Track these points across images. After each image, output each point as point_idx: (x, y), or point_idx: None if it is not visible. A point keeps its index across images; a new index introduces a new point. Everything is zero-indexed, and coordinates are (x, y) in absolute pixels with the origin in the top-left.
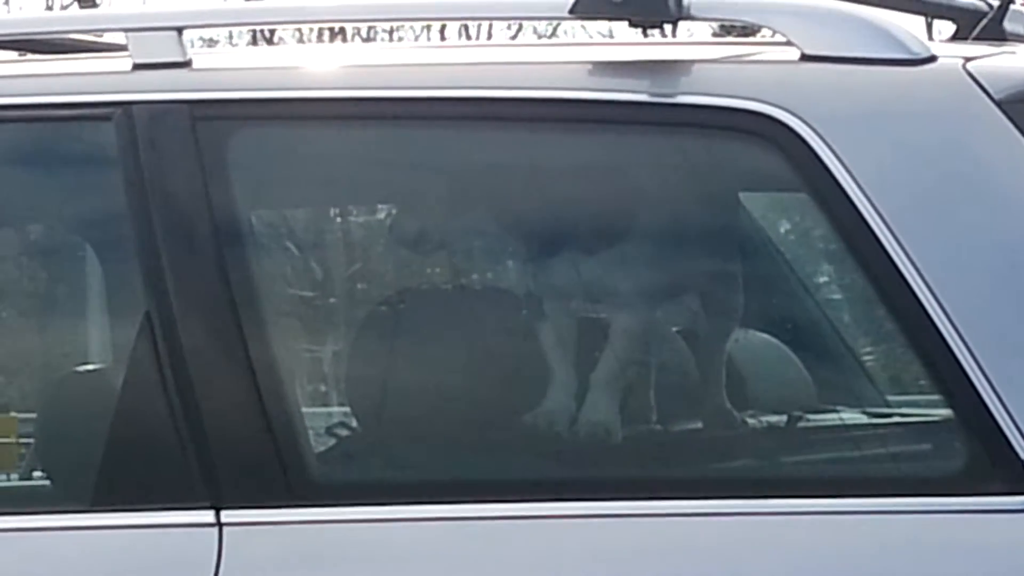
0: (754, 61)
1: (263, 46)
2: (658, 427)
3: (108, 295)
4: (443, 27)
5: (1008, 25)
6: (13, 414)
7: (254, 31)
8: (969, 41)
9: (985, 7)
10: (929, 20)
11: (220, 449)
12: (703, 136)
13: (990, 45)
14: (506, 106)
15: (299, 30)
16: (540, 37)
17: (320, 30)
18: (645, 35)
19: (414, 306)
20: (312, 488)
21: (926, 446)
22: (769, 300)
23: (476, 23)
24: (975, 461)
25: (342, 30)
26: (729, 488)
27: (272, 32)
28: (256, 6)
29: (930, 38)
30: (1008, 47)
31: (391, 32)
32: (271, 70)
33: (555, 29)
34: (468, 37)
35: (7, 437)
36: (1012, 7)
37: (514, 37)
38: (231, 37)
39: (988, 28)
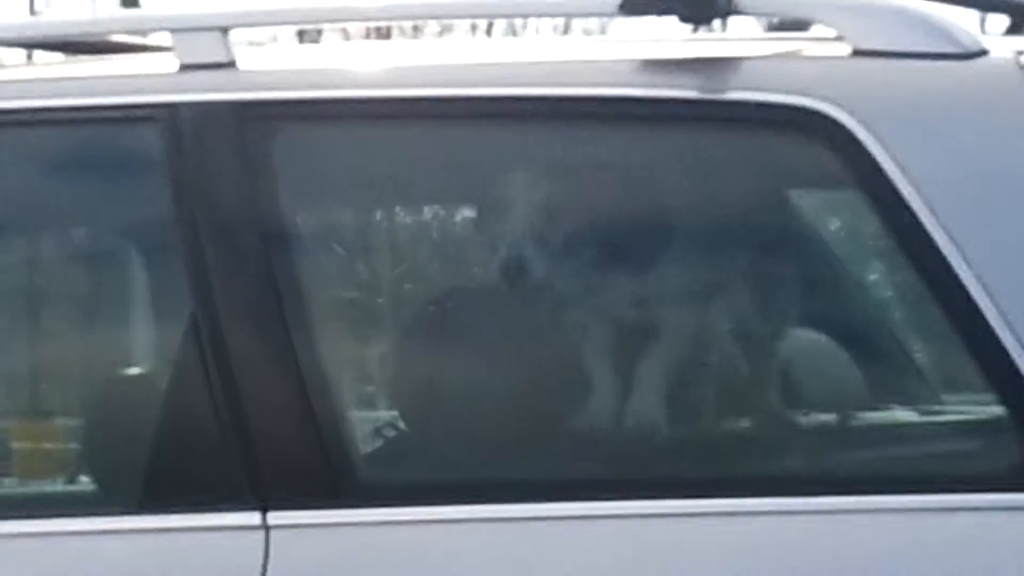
0: (805, 57)
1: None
2: (710, 426)
3: (154, 297)
4: (490, 25)
5: None
6: (61, 419)
7: (300, 31)
8: (1022, 35)
9: None
10: (982, 15)
11: (266, 451)
12: (754, 133)
13: None
14: (555, 104)
15: (344, 30)
16: (589, 35)
17: (367, 29)
18: (696, 31)
19: (461, 307)
20: (359, 489)
21: (979, 443)
22: (820, 298)
23: (524, 21)
24: None
25: (388, 29)
26: (782, 486)
27: (319, 32)
28: (301, 6)
29: (983, 32)
30: None
31: (439, 31)
32: (317, 70)
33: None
34: (516, 35)
35: (55, 442)
36: None
37: (563, 34)
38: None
39: None
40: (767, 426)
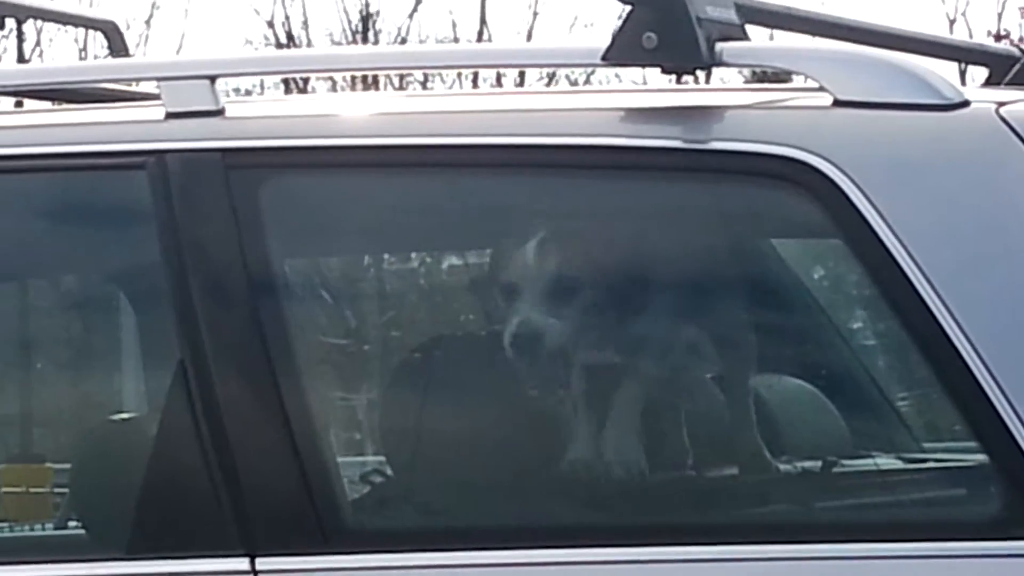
0: (787, 107)
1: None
2: (692, 472)
3: (142, 343)
4: (475, 75)
5: None
6: (48, 464)
7: (287, 80)
8: (1002, 86)
9: (1018, 53)
10: (963, 66)
11: (254, 497)
12: (736, 182)
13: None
14: (538, 153)
15: (331, 79)
16: (573, 84)
17: (352, 79)
18: (679, 82)
19: (447, 355)
20: (347, 535)
21: (962, 491)
22: (803, 346)
23: (508, 71)
24: (1011, 506)
25: (375, 79)
26: (764, 533)
27: (305, 81)
28: (288, 54)
29: (963, 84)
30: None
31: (424, 81)
32: (304, 118)
33: (588, 77)
34: (500, 85)
35: (42, 487)
36: None
37: (548, 84)
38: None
39: (1021, 73)
40: (750, 473)
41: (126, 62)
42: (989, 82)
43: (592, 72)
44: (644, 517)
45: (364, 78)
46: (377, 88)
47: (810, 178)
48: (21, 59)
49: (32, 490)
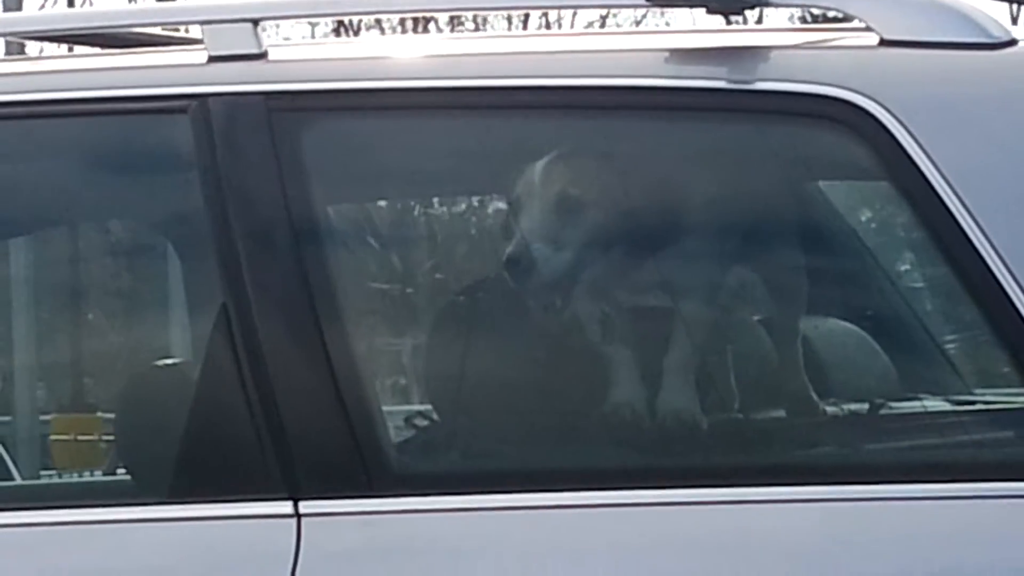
0: (833, 47)
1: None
2: (739, 415)
3: (186, 289)
4: (526, 16)
5: None
6: (95, 411)
7: (339, 23)
8: None
9: None
10: (1015, 7)
11: (298, 440)
12: (782, 123)
13: None
14: (587, 94)
15: (378, 22)
16: (619, 26)
17: (402, 22)
18: (728, 22)
19: (492, 299)
20: (390, 478)
21: (1010, 433)
22: (849, 288)
23: (558, 12)
24: None
25: (425, 22)
26: (812, 474)
27: (357, 28)
28: None
29: (1015, 23)
30: None
31: (475, 25)
32: (347, 61)
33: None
34: (548, 27)
35: (89, 434)
36: None
37: (591, 25)
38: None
39: None
40: (796, 415)
41: (170, 6)
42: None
43: (645, 15)
44: (689, 459)
45: (413, 21)
46: (427, 31)
47: (856, 118)
48: (71, 3)
49: (78, 437)
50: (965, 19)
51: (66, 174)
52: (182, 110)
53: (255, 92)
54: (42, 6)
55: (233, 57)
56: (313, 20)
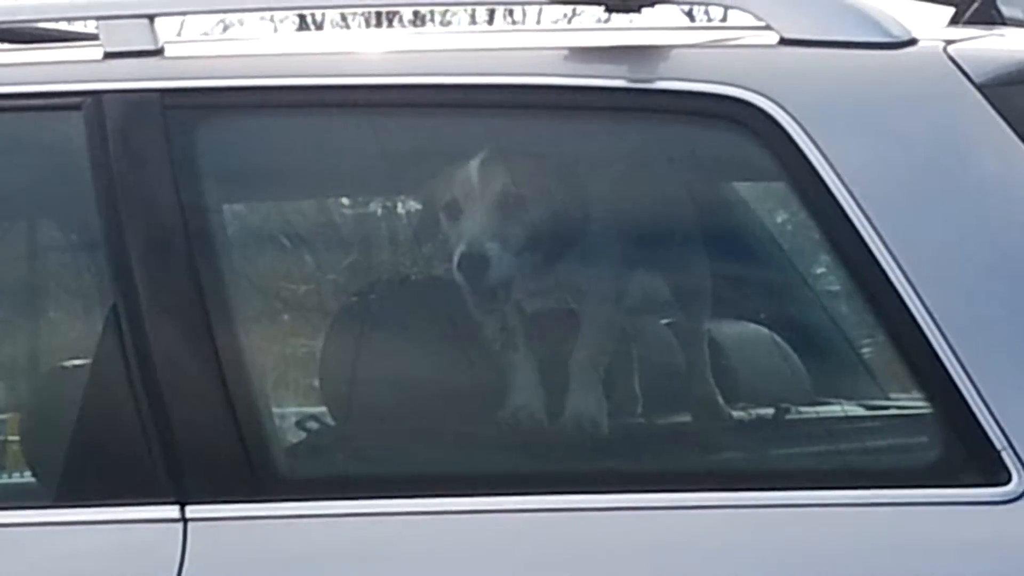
0: (732, 46)
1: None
2: (640, 420)
3: (75, 288)
4: (491, 12)
5: (1006, 9)
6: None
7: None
8: (961, 24)
9: None
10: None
11: (186, 443)
12: (681, 123)
13: (980, 28)
14: (480, 93)
15: (343, 16)
16: (515, 24)
17: (365, 16)
18: (630, 19)
19: (385, 300)
20: (278, 483)
21: (905, 439)
22: (745, 290)
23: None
24: (953, 453)
25: (388, 16)
26: (714, 481)
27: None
28: None
29: (962, 21)
30: (998, 30)
31: (379, 17)
32: (245, 58)
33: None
34: (514, 23)
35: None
36: None
37: (489, 22)
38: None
39: (982, 11)
40: (701, 420)
41: (65, 1)
42: (954, 21)
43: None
44: (588, 464)
45: (376, 16)
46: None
47: (753, 118)
48: None
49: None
50: (866, 18)
51: None
52: (75, 107)
53: (150, 89)
54: None
55: (129, 53)
56: (277, 16)
